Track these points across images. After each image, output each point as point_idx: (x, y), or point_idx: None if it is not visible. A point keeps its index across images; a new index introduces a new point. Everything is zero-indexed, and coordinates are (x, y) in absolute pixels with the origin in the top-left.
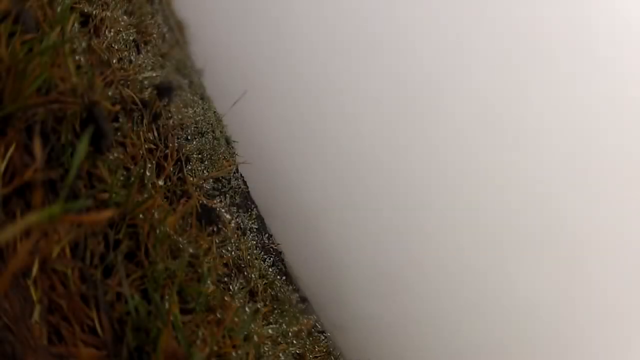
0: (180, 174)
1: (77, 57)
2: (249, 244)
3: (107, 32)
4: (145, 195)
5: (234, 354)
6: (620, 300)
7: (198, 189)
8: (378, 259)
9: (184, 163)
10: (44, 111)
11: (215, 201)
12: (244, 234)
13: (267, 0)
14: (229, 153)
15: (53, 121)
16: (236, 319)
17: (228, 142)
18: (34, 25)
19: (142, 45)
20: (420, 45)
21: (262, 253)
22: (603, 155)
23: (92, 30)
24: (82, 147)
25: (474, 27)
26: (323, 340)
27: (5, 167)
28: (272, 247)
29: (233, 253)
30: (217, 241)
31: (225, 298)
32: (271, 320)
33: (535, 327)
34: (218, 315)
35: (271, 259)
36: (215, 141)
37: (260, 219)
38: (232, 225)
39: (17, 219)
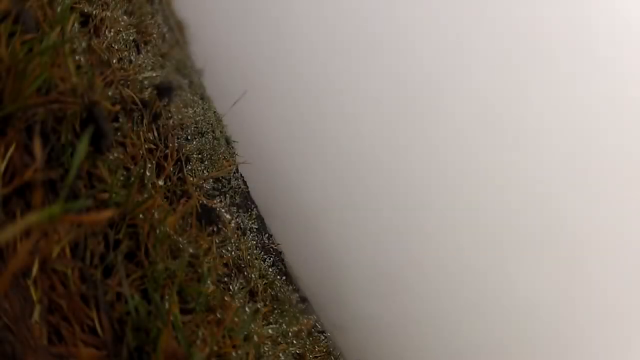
0: (180, 174)
1: (77, 57)
2: (249, 244)
3: (107, 32)
4: (145, 195)
5: (234, 354)
6: (620, 300)
7: (198, 189)
8: (378, 259)
9: (184, 163)
10: (44, 111)
11: (215, 201)
12: (244, 234)
13: (267, 0)
14: (229, 153)
15: (53, 121)
16: (236, 319)
17: (228, 142)
18: (34, 25)
19: (142, 45)
20: (420, 45)
21: (262, 253)
22: (603, 155)
23: (92, 30)
24: (82, 147)
25: (474, 27)
26: (323, 340)
27: (5, 167)
28: (272, 247)
29: (233, 253)
30: (217, 241)
31: (225, 298)
32: (271, 320)
33: (535, 327)
34: (218, 315)
35: (271, 259)
36: (215, 141)
37: (260, 219)
38: (232, 225)
39: (17, 219)
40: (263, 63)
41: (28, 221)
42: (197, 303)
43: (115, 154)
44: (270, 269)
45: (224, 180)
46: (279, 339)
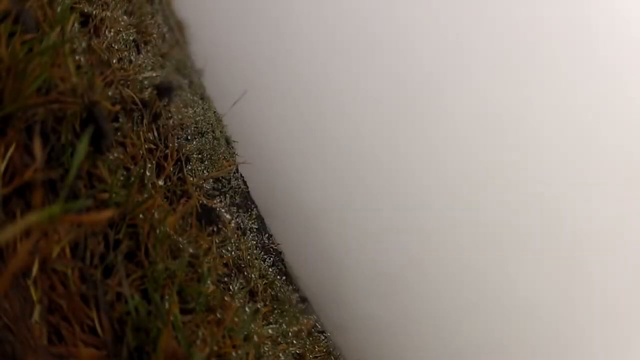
0: (180, 174)
1: (77, 57)
2: (249, 244)
3: (107, 32)
4: (145, 195)
5: (234, 354)
6: (620, 300)
7: (198, 189)
8: (378, 259)
9: (184, 163)
10: (44, 111)
11: (215, 201)
12: (244, 234)
13: (267, 0)
14: (229, 153)
15: (53, 121)
16: (236, 319)
17: (228, 142)
18: (34, 25)
19: (142, 45)
20: (420, 45)
21: (262, 253)
22: (603, 155)
23: (92, 30)
24: (82, 147)
25: (474, 27)
26: (323, 340)
27: (5, 167)
28: (272, 247)
29: (233, 253)
30: (217, 241)
31: (225, 298)
32: (271, 320)
33: (535, 327)
34: (218, 315)
35: (271, 259)
36: (215, 141)
37: (260, 219)
38: (232, 225)
39: (17, 219)
40: (263, 63)
41: (28, 221)
42: (197, 303)
43: (115, 154)
44: (270, 269)
45: (224, 180)
46: (279, 339)
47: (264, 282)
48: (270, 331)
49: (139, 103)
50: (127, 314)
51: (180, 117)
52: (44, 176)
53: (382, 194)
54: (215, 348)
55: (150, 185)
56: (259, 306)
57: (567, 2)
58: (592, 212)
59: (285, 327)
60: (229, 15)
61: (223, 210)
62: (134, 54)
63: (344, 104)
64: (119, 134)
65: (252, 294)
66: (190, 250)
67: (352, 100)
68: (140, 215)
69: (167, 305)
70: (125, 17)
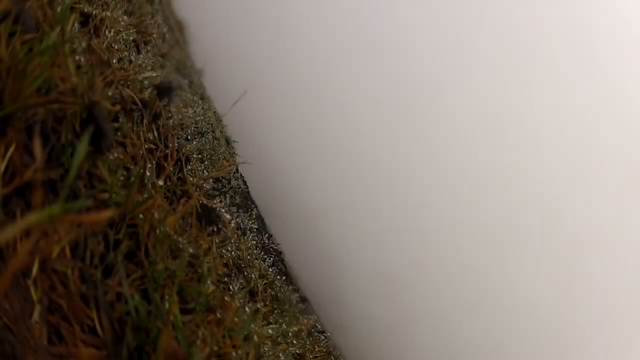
0: (180, 174)
1: (77, 57)
2: (249, 244)
3: (107, 32)
4: (145, 195)
5: (234, 354)
6: (620, 300)
7: (198, 189)
8: (378, 259)
9: (184, 163)
10: (44, 111)
11: (215, 201)
12: (244, 234)
13: (267, 0)
14: (229, 153)
15: (53, 121)
16: (236, 319)
17: (228, 142)
18: (34, 25)
19: (142, 45)
20: (420, 45)
21: (262, 253)
22: (603, 155)
23: (92, 30)
24: (82, 147)
25: (474, 27)
26: (323, 340)
27: (5, 167)
28: (272, 247)
29: (233, 253)
30: (217, 241)
31: (225, 298)
32: (271, 320)
33: (535, 327)
34: (218, 315)
35: (271, 259)
36: (215, 141)
37: (260, 219)
38: (232, 225)
39: (17, 219)
40: (263, 63)
41: (28, 221)
42: (197, 303)
43: (115, 154)
44: (270, 269)
45: (224, 180)
46: (279, 339)
47: (264, 282)
48: (270, 331)
49: (139, 103)
50: (127, 314)
51: (180, 117)
52: (44, 176)
53: (382, 194)
54: (215, 348)
55: (150, 185)
56: (259, 306)
57: (567, 2)
58: (592, 212)
59: (285, 327)
60: (229, 15)
61: (223, 210)
62: (134, 54)
63: (344, 104)
64: (119, 134)
65: (252, 294)
66: (190, 250)
67: (352, 100)
68: (140, 215)
69: (167, 305)
70: (125, 17)
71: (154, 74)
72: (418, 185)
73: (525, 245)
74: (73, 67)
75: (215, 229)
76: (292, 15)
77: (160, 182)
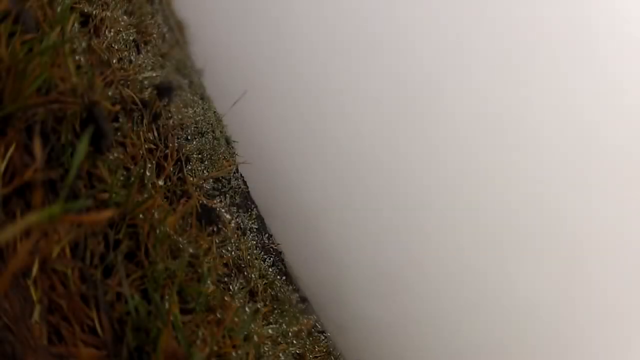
0: (180, 174)
1: (77, 57)
2: (249, 244)
3: (107, 32)
4: (145, 195)
5: (234, 354)
6: (620, 300)
7: (198, 189)
8: (378, 259)
9: (184, 163)
10: (44, 111)
11: (215, 201)
12: (244, 234)
13: (267, 0)
14: (229, 153)
15: (53, 121)
16: (236, 319)
17: (228, 142)
18: (34, 25)
19: (142, 45)
20: (420, 45)
21: (262, 253)
22: (603, 155)
23: (92, 30)
24: (82, 147)
25: (474, 27)
26: (323, 340)
27: (5, 167)
28: (272, 247)
29: (233, 253)
30: (217, 241)
31: (225, 298)
32: (271, 320)
33: (535, 327)
34: (218, 315)
35: (271, 259)
36: (215, 141)
37: (260, 219)
38: (232, 225)
39: (17, 219)
40: (263, 63)
41: (28, 221)
42: (197, 303)
43: (115, 154)
44: (270, 269)
45: (224, 180)
46: (279, 339)
47: (264, 282)
48: (270, 331)
49: (139, 103)
50: (127, 314)
51: (180, 117)
52: (44, 176)
53: (382, 194)
54: (215, 348)
55: (150, 185)
56: (259, 306)
57: (567, 2)
58: (592, 212)
59: (285, 327)
60: (229, 15)
61: (223, 210)
62: (134, 54)
63: (344, 104)
64: (119, 134)
65: (252, 294)
66: (190, 250)
67: (352, 100)
68: (140, 215)
69: (167, 305)
70: (125, 17)
71: (154, 74)
72: (418, 185)
73: (525, 245)
74: (73, 67)
75: (215, 229)
76: (292, 15)
77: (160, 182)
